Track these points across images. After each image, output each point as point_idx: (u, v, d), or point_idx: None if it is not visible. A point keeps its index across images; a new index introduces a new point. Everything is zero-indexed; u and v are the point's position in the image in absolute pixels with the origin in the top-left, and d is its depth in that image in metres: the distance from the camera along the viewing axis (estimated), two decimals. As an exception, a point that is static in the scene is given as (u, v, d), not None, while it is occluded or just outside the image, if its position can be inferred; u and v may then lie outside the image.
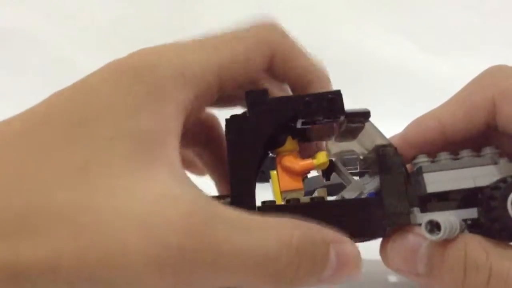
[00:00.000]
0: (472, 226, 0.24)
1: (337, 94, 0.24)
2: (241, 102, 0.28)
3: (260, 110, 0.24)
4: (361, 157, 0.27)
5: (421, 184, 0.25)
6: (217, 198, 0.24)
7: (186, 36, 0.24)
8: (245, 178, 0.23)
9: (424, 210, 0.24)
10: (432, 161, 0.25)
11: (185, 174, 0.21)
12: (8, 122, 0.21)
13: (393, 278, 0.31)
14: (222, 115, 0.30)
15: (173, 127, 0.21)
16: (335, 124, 0.26)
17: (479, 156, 0.25)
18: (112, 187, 0.19)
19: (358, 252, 0.23)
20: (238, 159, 0.23)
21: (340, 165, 0.27)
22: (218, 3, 0.71)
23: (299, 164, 0.25)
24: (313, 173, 0.27)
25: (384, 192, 0.24)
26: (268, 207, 0.24)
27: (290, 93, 0.28)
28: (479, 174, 0.24)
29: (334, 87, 0.25)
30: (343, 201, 0.25)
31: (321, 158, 0.25)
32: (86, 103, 0.20)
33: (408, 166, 0.26)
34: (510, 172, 0.24)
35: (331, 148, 0.28)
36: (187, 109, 0.22)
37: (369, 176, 0.26)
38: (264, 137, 0.24)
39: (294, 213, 0.22)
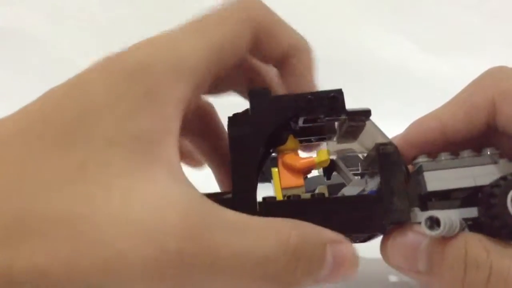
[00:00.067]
0: (473, 226, 0.24)
1: (339, 93, 0.24)
2: (231, 87, 0.28)
3: (262, 108, 0.24)
4: (362, 157, 0.27)
5: (421, 182, 0.25)
6: (218, 194, 0.24)
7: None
8: (247, 175, 0.23)
9: (424, 209, 0.24)
10: (433, 161, 0.25)
11: (184, 174, 0.21)
12: (3, 121, 0.20)
13: (393, 277, 0.31)
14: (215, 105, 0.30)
15: (172, 126, 0.21)
16: (336, 125, 0.26)
17: (479, 156, 0.25)
18: (110, 187, 0.19)
19: (355, 252, 0.23)
20: (240, 157, 0.24)
21: (341, 163, 0.27)
22: (218, 3, 0.71)
23: (300, 161, 0.25)
24: (314, 173, 0.27)
25: (384, 190, 0.24)
26: (269, 203, 0.24)
27: (275, 73, 0.27)
28: (479, 173, 0.24)
29: (334, 87, 0.25)
30: (344, 197, 0.26)
31: (322, 155, 0.25)
32: (83, 103, 0.20)
33: (410, 167, 0.26)
34: (510, 171, 0.24)
35: (332, 148, 0.28)
36: (185, 104, 0.22)
37: (369, 176, 0.26)
38: (266, 135, 0.24)
39: (295, 209, 0.22)
